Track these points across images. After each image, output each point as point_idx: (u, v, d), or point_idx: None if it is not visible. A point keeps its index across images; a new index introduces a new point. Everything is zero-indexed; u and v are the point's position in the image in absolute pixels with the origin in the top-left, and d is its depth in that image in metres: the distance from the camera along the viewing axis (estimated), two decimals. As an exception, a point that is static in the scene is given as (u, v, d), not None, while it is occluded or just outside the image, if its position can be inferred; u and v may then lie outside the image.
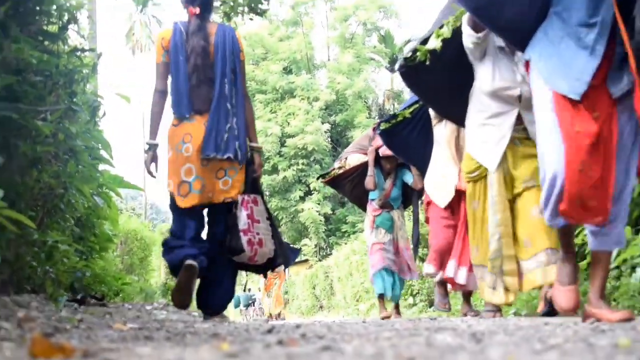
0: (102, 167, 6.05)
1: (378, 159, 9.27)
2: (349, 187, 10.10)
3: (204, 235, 5.96)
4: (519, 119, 5.55)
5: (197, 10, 5.76)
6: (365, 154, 9.45)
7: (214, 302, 5.86)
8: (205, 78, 5.70)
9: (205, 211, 5.91)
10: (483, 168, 5.64)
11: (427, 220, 8.01)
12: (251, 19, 10.52)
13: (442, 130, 7.56)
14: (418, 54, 5.90)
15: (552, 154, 4.06)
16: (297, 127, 38.26)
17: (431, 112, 7.58)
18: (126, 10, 54.05)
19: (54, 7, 4.97)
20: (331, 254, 30.86)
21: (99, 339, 2.87)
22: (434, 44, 5.75)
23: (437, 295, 8.22)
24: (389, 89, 45.84)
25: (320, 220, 37.39)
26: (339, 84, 40.78)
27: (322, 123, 39.20)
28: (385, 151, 9.04)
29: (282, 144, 38.48)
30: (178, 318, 6.09)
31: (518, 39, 4.67)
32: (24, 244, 4.52)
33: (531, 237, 5.48)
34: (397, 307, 9.67)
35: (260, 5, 10.03)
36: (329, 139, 39.72)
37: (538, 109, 4.27)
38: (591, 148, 3.93)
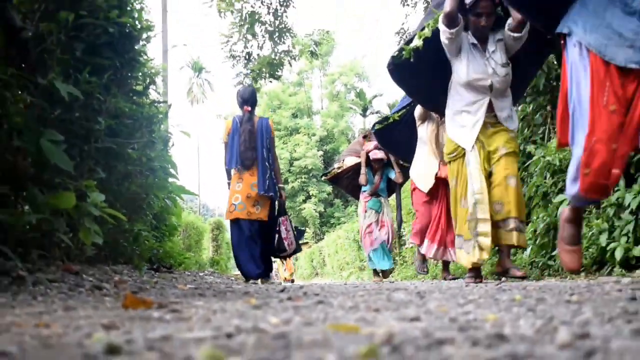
0: (171, 180, 6.03)
1: (368, 161, 8.81)
2: (346, 182, 9.56)
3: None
4: (491, 107, 4.97)
5: (249, 108, 6.85)
6: (358, 156, 9.02)
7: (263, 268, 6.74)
8: (251, 147, 6.67)
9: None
10: (460, 149, 5.02)
11: (413, 204, 7.43)
12: (270, 81, 10.62)
13: (425, 130, 6.99)
14: (404, 52, 5.31)
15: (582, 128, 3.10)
16: (301, 153, 38.64)
17: (416, 113, 6.97)
18: (187, 75, 54.08)
19: (140, 74, 4.99)
20: (323, 238, 30.94)
21: (169, 295, 2.86)
22: (417, 42, 5.22)
23: (417, 261, 7.82)
24: (362, 128, 45.99)
25: (316, 216, 37.86)
26: (329, 124, 41.24)
27: (318, 151, 39.54)
28: (374, 155, 8.71)
29: (291, 165, 38.79)
30: (221, 281, 6.06)
31: (547, 19, 3.66)
32: (118, 232, 4.51)
33: (504, 202, 4.85)
34: (384, 273, 9.04)
35: (276, 73, 10.08)
36: (322, 161, 39.77)
37: (579, 80, 3.16)
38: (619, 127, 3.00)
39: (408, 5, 9.52)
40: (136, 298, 2.06)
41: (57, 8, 3.49)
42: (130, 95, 4.70)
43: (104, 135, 3.91)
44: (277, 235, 6.90)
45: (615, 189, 5.04)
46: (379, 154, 8.69)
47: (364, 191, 8.98)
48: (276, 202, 6.95)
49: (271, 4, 9.59)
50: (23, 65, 3.06)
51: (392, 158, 8.75)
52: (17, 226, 2.81)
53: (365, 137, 9.01)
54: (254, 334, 1.20)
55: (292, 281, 15.18)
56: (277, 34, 9.83)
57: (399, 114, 7.36)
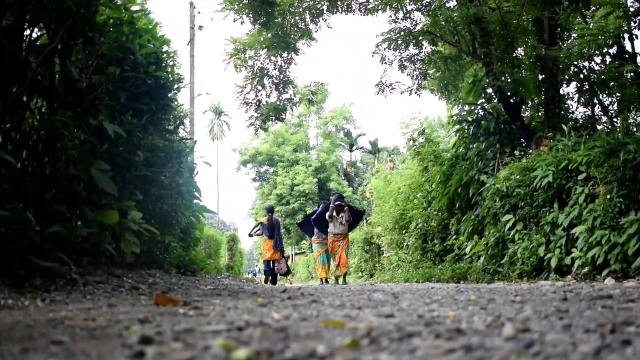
0: (195, 201, 6.01)
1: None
2: None
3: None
4: None
5: (270, 214, 11.66)
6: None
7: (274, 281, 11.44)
8: (272, 229, 11.39)
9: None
10: None
11: None
12: (276, 123, 10.65)
13: None
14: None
15: None
16: (300, 180, 38.76)
17: None
18: (209, 117, 54.09)
19: (172, 116, 5.00)
20: (317, 248, 30.91)
21: (192, 294, 2.84)
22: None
23: None
24: (348, 161, 46.21)
25: (312, 230, 37.83)
26: (322, 157, 41.43)
27: (313, 178, 39.64)
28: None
29: (292, 189, 38.82)
30: (235, 283, 6.01)
31: None
32: (153, 242, 4.49)
33: None
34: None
35: (281, 116, 10.13)
36: (317, 187, 39.80)
37: None
38: None
39: (385, 63, 9.59)
40: (166, 297, 2.05)
41: (106, 64, 3.52)
42: (163, 133, 4.71)
43: (142, 165, 3.92)
44: (279, 265, 11.70)
45: (551, 210, 5.05)
46: None
47: None
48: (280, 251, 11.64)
49: (277, 61, 9.68)
50: (78, 109, 3.08)
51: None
52: (71, 238, 2.79)
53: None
54: (260, 328, 1.20)
55: (342, 276, 10.75)
56: (281, 85, 9.89)
57: None
